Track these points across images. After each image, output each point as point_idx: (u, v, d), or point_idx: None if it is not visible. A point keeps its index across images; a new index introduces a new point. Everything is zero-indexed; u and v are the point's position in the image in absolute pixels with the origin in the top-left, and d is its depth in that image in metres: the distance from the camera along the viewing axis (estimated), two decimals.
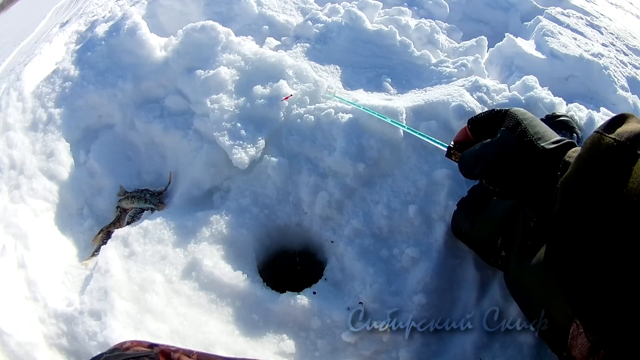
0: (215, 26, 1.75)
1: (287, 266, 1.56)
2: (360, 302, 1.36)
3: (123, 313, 1.22)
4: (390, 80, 1.76)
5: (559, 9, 2.56)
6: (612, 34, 2.58)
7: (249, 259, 1.46)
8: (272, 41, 1.88)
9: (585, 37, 2.37)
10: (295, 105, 1.59)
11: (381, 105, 1.50)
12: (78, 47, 1.99)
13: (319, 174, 1.51)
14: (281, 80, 1.62)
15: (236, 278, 1.36)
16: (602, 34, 2.53)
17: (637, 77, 2.22)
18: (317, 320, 1.32)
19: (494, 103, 1.58)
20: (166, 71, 1.74)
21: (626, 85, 2.07)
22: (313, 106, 1.59)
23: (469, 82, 1.65)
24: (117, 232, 1.43)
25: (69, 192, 1.62)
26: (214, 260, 1.38)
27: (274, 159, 1.52)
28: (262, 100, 1.59)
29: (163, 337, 1.21)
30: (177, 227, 1.43)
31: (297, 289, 1.42)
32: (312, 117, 1.56)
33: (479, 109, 1.54)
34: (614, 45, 2.45)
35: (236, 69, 1.67)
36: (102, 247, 1.41)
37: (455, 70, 1.76)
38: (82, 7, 2.64)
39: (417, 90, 1.71)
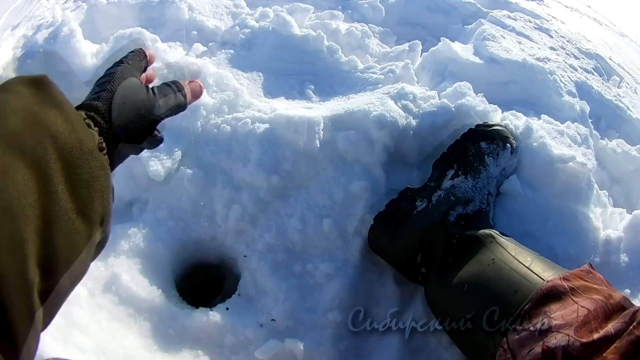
0: (143, 33, 1.70)
1: (204, 280, 1.53)
2: (272, 320, 1.32)
3: (53, 326, 1.15)
4: (313, 87, 1.70)
5: (505, 12, 2.47)
6: (563, 37, 2.49)
7: (166, 272, 1.43)
8: (198, 47, 1.82)
9: (531, 40, 2.29)
10: (213, 115, 1.53)
11: (297, 115, 1.44)
12: (21, 53, 1.94)
13: (233, 187, 1.45)
14: None
15: (152, 293, 1.33)
16: (551, 37, 2.44)
17: (588, 81, 2.14)
18: (230, 337, 1.29)
19: (420, 111, 1.51)
20: (95, 79, 1.68)
21: (574, 90, 1.99)
22: (231, 116, 1.53)
23: (395, 89, 1.57)
24: None
25: None
26: (132, 275, 1.35)
27: (189, 170, 1.46)
28: None
29: (89, 351, 1.18)
30: None
31: (215, 303, 1.39)
32: (228, 127, 1.50)
33: (402, 118, 1.47)
34: (564, 48, 2.36)
35: (159, 78, 1.60)
36: None
37: (382, 76, 1.68)
38: (33, 9, 2.59)
39: (340, 98, 1.65)
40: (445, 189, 1.35)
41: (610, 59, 2.62)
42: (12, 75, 1.79)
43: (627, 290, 1.38)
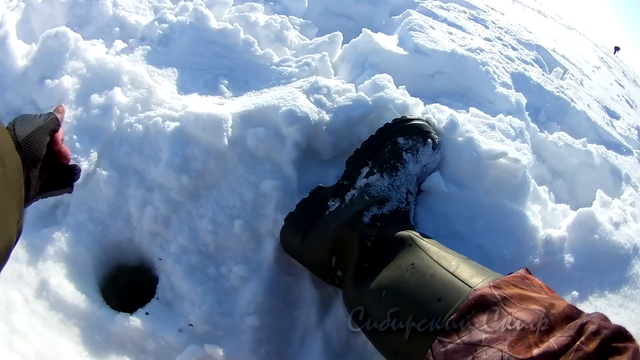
0: (67, 32, 1.67)
1: (127, 283, 1.49)
2: (190, 325, 1.29)
3: None
4: (227, 82, 1.66)
5: (437, 2, 2.44)
6: (500, 28, 2.46)
7: (89, 276, 1.39)
8: (119, 44, 1.78)
9: (464, 31, 2.25)
10: (127, 114, 1.50)
11: (205, 113, 1.40)
12: None
13: (145, 187, 1.42)
14: (115, 87, 1.53)
15: (77, 298, 1.30)
16: (487, 28, 2.41)
17: (526, 72, 2.11)
18: (152, 343, 1.27)
19: (335, 106, 1.46)
20: (25, 81, 1.66)
21: (509, 82, 1.95)
22: (143, 114, 1.49)
23: (308, 82, 1.53)
24: None
25: None
26: (59, 280, 1.32)
27: (104, 172, 1.43)
28: (96, 110, 1.50)
29: (29, 357, 1.17)
30: (28, 245, 1.37)
31: (140, 305, 1.36)
32: (141, 126, 1.46)
33: (314, 113, 1.43)
34: (500, 39, 2.33)
35: (78, 77, 1.59)
36: None
37: (297, 69, 1.64)
38: None
39: (253, 93, 1.62)
40: (359, 187, 1.30)
41: (554, 51, 2.59)
42: None
43: (575, 293, 1.34)
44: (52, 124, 0.89)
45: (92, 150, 1.45)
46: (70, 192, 0.99)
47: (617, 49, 5.67)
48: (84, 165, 1.43)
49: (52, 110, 0.93)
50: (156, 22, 1.83)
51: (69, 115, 1.51)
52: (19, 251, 1.35)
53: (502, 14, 2.72)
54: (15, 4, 2.28)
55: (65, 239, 1.39)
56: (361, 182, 1.31)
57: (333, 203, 1.30)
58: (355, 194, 1.29)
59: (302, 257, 1.31)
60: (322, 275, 1.31)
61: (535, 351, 0.81)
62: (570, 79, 2.42)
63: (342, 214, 1.26)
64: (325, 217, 1.28)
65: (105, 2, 1.96)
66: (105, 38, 1.87)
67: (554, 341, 0.82)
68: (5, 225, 0.70)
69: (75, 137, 1.47)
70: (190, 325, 1.29)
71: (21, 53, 1.73)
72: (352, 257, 1.21)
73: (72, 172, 0.97)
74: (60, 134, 0.93)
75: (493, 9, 2.72)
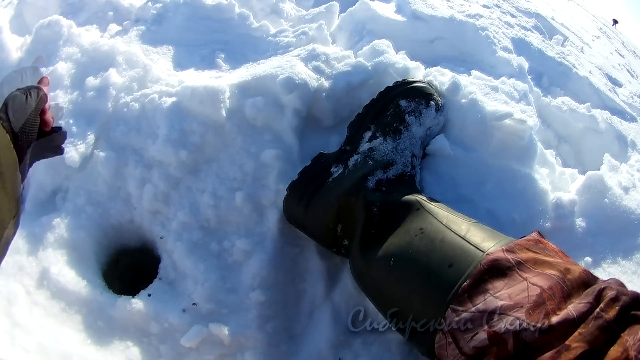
0: (60, 20, 1.66)
1: (130, 265, 1.48)
2: (194, 304, 1.27)
3: (1, 328, 1.17)
4: (224, 55, 1.65)
5: None
6: None
7: (90, 262, 1.37)
8: (113, 27, 1.78)
9: None
10: (123, 94, 1.48)
11: (202, 86, 1.38)
12: None
13: (144, 166, 1.40)
14: (110, 68, 1.52)
15: (78, 285, 1.28)
16: None
17: (526, 38, 2.08)
18: (155, 325, 1.24)
19: (334, 72, 1.44)
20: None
21: (510, 46, 1.92)
22: (139, 93, 1.47)
23: (305, 50, 1.50)
24: None
25: None
26: (59, 267, 1.30)
27: (102, 153, 1.41)
28: (92, 92, 1.48)
29: (32, 350, 1.15)
30: (27, 235, 1.35)
31: (143, 287, 1.34)
32: (137, 104, 1.45)
33: (313, 80, 1.40)
34: (498, 7, 2.30)
35: (73, 62, 1.58)
36: None
37: (294, 39, 1.62)
38: None
39: (250, 65, 1.59)
40: (362, 152, 1.26)
41: (553, 19, 2.57)
42: None
43: (588, 259, 1.30)
44: (42, 102, 0.91)
45: (89, 133, 1.44)
46: (61, 153, 1.03)
47: (615, 21, 5.66)
48: (81, 149, 1.41)
49: (37, 84, 0.96)
50: (149, 3, 1.82)
51: (64, 100, 1.49)
52: (19, 242, 1.33)
53: None
54: (8, 2, 2.28)
55: (65, 225, 1.37)
56: (364, 146, 1.27)
57: (336, 169, 1.27)
58: (359, 159, 1.25)
59: (307, 226, 1.28)
60: (327, 245, 1.27)
61: (554, 319, 0.77)
62: (571, 46, 2.40)
63: (345, 179, 1.23)
64: (328, 183, 1.25)
65: None
66: (99, 23, 1.87)
67: (573, 308, 0.78)
68: (1, 223, 0.73)
69: (71, 120, 1.45)
70: (193, 304, 1.27)
71: (15, 46, 1.73)
72: (357, 224, 1.17)
73: (59, 135, 1.00)
74: (46, 106, 0.94)
75: None
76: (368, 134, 1.29)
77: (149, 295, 1.30)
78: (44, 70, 1.54)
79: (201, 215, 1.35)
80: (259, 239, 1.32)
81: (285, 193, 1.28)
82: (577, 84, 2.13)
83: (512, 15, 2.29)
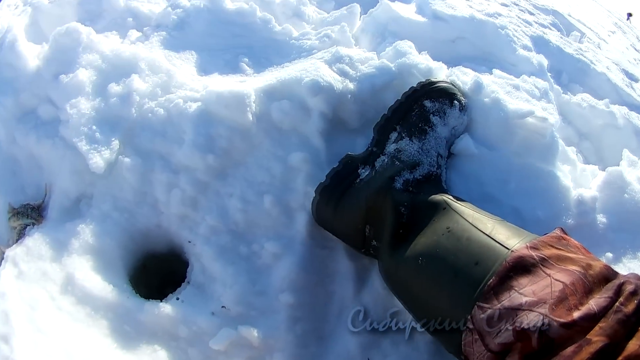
0: (77, 27, 1.66)
1: (157, 270, 1.48)
2: (223, 306, 1.28)
3: (23, 334, 1.17)
4: (247, 60, 1.65)
5: None
6: None
7: (117, 267, 1.38)
8: (133, 34, 1.78)
9: None
10: (147, 100, 1.49)
11: (227, 90, 1.39)
12: None
13: (171, 171, 1.41)
14: (133, 74, 1.52)
15: (105, 289, 1.29)
16: None
17: (545, 35, 2.09)
18: (184, 329, 1.25)
19: (358, 74, 1.45)
20: (38, 80, 1.65)
21: (530, 44, 1.93)
22: (164, 98, 1.48)
23: (329, 53, 1.51)
24: (8, 253, 1.38)
25: None
26: (85, 273, 1.31)
27: (127, 159, 1.42)
28: (115, 98, 1.49)
29: (56, 356, 1.15)
30: (51, 241, 1.36)
31: (170, 292, 1.36)
32: (162, 110, 1.46)
33: (338, 82, 1.42)
34: (516, 5, 2.31)
35: (94, 69, 1.58)
36: None
37: (317, 42, 1.63)
38: None
39: (275, 68, 1.60)
40: (389, 153, 1.28)
41: (570, 15, 2.57)
42: None
43: (609, 254, 1.31)
44: None
45: (113, 139, 1.44)
46: None
47: (629, 15, 5.63)
48: (106, 155, 1.42)
49: None
50: (170, 8, 1.82)
51: (87, 107, 1.50)
52: (42, 248, 1.35)
53: None
54: (21, 10, 2.29)
55: (90, 231, 1.38)
56: (391, 147, 1.29)
57: (364, 170, 1.28)
58: (386, 160, 1.27)
59: (336, 228, 1.29)
60: (356, 246, 1.29)
61: (576, 314, 0.79)
62: (588, 42, 2.40)
63: (373, 181, 1.24)
64: (356, 185, 1.26)
65: None
66: (119, 29, 1.87)
67: (594, 302, 0.80)
68: None
69: (95, 127, 1.46)
70: (223, 307, 1.28)
71: (32, 54, 1.73)
72: (386, 224, 1.19)
73: None
74: None
75: None
76: (394, 135, 1.31)
77: (178, 299, 1.31)
78: (63, 77, 1.56)
79: (230, 219, 1.36)
80: (288, 242, 1.32)
81: (314, 195, 1.30)
82: (596, 80, 2.13)
83: (530, 13, 2.30)
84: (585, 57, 2.17)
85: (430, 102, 1.33)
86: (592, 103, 1.90)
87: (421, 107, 1.32)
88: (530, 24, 2.14)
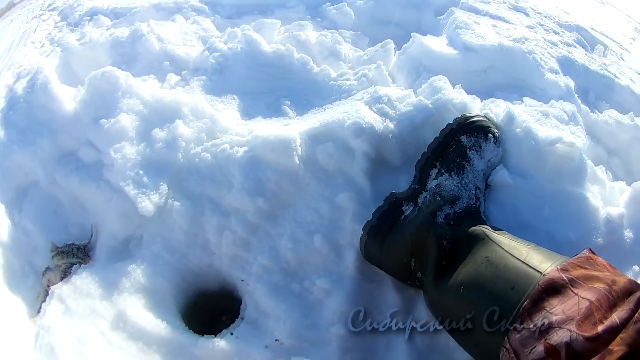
0: (114, 71, 1.71)
1: (208, 307, 1.53)
2: (276, 340, 1.32)
3: None
4: (289, 102, 1.70)
5: None
6: (540, 13, 2.47)
7: (169, 304, 1.43)
8: (172, 77, 1.83)
9: (507, 22, 2.26)
10: (193, 144, 1.54)
11: (273, 135, 1.44)
12: (3, 105, 1.98)
13: (221, 213, 1.46)
14: (177, 120, 1.58)
15: (158, 325, 1.33)
16: (528, 15, 2.42)
17: (570, 55, 2.12)
18: None
19: (397, 113, 1.50)
20: (77, 123, 1.71)
21: (557, 67, 1.96)
22: (210, 143, 1.54)
23: (368, 93, 1.57)
24: (53, 289, 1.43)
25: (10, 252, 1.60)
26: (137, 310, 1.36)
27: (177, 202, 1.47)
28: (160, 144, 1.55)
29: None
30: (100, 280, 1.42)
31: (222, 327, 1.40)
32: (209, 154, 1.51)
33: (379, 122, 1.47)
34: (542, 25, 2.34)
35: (135, 114, 1.63)
36: (43, 304, 1.41)
37: (356, 82, 1.68)
38: (12, 56, 2.63)
39: (317, 110, 1.65)
40: (430, 189, 1.33)
41: (592, 29, 2.59)
42: None
43: (636, 267, 1.34)
44: None
45: (161, 183, 1.49)
46: None
47: None
48: (155, 199, 1.46)
49: None
50: (207, 52, 1.86)
51: (131, 152, 1.55)
52: (90, 287, 1.40)
53: None
54: (50, 50, 2.33)
55: (142, 271, 1.43)
56: (431, 184, 1.34)
57: (407, 207, 1.33)
58: (427, 196, 1.32)
59: (383, 263, 1.34)
60: (402, 278, 1.34)
61: (600, 328, 0.85)
62: (612, 54, 2.42)
63: (416, 217, 1.30)
64: (401, 222, 1.31)
65: (150, 38, 1.99)
66: (156, 73, 1.91)
67: (617, 315, 0.86)
68: None
69: (141, 172, 1.51)
70: (276, 340, 1.31)
71: (67, 97, 1.77)
72: (429, 257, 1.25)
73: None
74: None
75: None
76: (434, 172, 1.36)
77: (232, 334, 1.35)
78: (104, 122, 1.60)
79: (281, 257, 1.40)
80: (338, 277, 1.37)
81: (362, 234, 1.35)
82: (620, 93, 2.16)
83: (555, 32, 2.33)
84: (609, 71, 2.20)
85: (466, 137, 1.38)
86: (618, 119, 1.93)
87: (458, 143, 1.37)
88: (556, 45, 2.17)
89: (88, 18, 2.60)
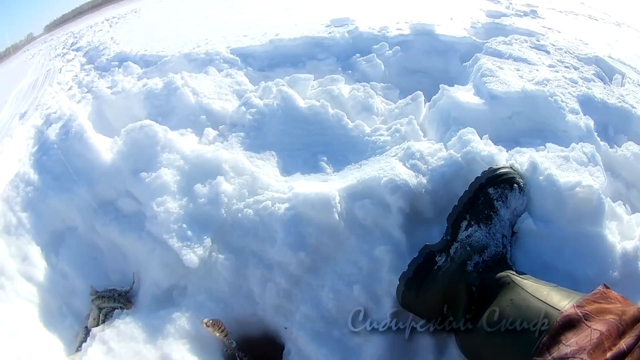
0: (153, 125, 1.79)
1: (252, 353, 1.58)
2: None
3: None
4: (326, 158, 1.78)
5: (500, 38, 2.51)
6: (560, 49, 2.53)
7: (213, 349, 1.51)
8: (210, 132, 1.91)
9: (529, 63, 2.33)
10: (235, 200, 1.63)
11: (313, 192, 1.53)
12: (35, 148, 2.05)
13: (264, 266, 1.55)
14: (218, 176, 1.67)
15: None
16: (548, 53, 2.48)
17: (589, 91, 2.18)
18: None
19: (429, 168, 1.59)
20: (115, 174, 1.80)
21: (577, 107, 2.03)
22: (252, 199, 1.63)
23: (402, 149, 1.66)
24: (94, 331, 1.52)
25: (47, 293, 1.71)
26: (182, 354, 1.43)
27: (221, 255, 1.57)
28: (202, 199, 1.64)
29: None
30: (144, 325, 1.50)
31: None
32: (251, 210, 1.60)
33: (412, 178, 1.56)
34: (562, 62, 2.40)
35: (176, 169, 1.72)
36: (84, 344, 1.51)
37: (389, 137, 1.76)
38: (38, 96, 2.69)
39: (353, 166, 1.74)
40: (460, 240, 1.42)
41: (610, 57, 2.63)
42: (30, 171, 1.90)
43: None
44: None
45: (205, 237, 1.58)
46: None
47: None
48: (199, 252, 1.55)
49: None
50: (243, 107, 1.94)
51: (174, 206, 1.63)
52: (134, 331, 1.48)
53: (559, 31, 2.78)
54: (80, 95, 2.38)
55: (187, 319, 1.51)
56: (462, 235, 1.43)
57: (440, 258, 1.42)
58: (458, 247, 1.41)
59: (418, 310, 1.43)
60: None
61: (609, 354, 0.94)
62: (629, 82, 2.46)
63: (449, 267, 1.39)
64: (434, 272, 1.40)
65: (185, 92, 2.05)
66: (193, 127, 1.98)
67: (624, 342, 0.95)
68: None
69: (184, 226, 1.60)
70: None
71: (104, 146, 1.86)
72: (460, 303, 1.35)
73: None
74: None
75: (550, 29, 2.78)
76: (464, 223, 1.45)
77: None
78: (145, 175, 1.68)
79: (323, 307, 1.48)
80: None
81: (398, 284, 1.43)
82: (638, 124, 2.21)
83: (575, 68, 2.38)
84: (627, 102, 2.25)
85: (493, 189, 1.47)
86: (635, 150, 1.98)
87: (486, 195, 1.46)
88: (576, 82, 2.23)
89: (117, 64, 2.66)
